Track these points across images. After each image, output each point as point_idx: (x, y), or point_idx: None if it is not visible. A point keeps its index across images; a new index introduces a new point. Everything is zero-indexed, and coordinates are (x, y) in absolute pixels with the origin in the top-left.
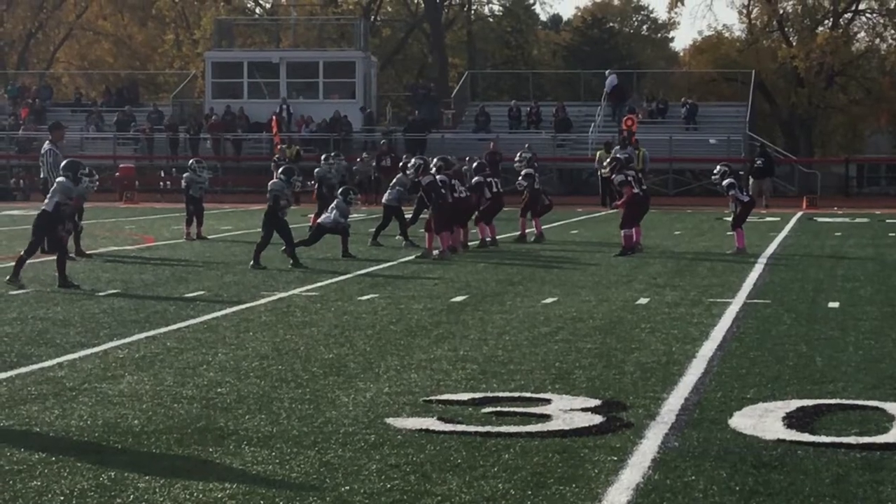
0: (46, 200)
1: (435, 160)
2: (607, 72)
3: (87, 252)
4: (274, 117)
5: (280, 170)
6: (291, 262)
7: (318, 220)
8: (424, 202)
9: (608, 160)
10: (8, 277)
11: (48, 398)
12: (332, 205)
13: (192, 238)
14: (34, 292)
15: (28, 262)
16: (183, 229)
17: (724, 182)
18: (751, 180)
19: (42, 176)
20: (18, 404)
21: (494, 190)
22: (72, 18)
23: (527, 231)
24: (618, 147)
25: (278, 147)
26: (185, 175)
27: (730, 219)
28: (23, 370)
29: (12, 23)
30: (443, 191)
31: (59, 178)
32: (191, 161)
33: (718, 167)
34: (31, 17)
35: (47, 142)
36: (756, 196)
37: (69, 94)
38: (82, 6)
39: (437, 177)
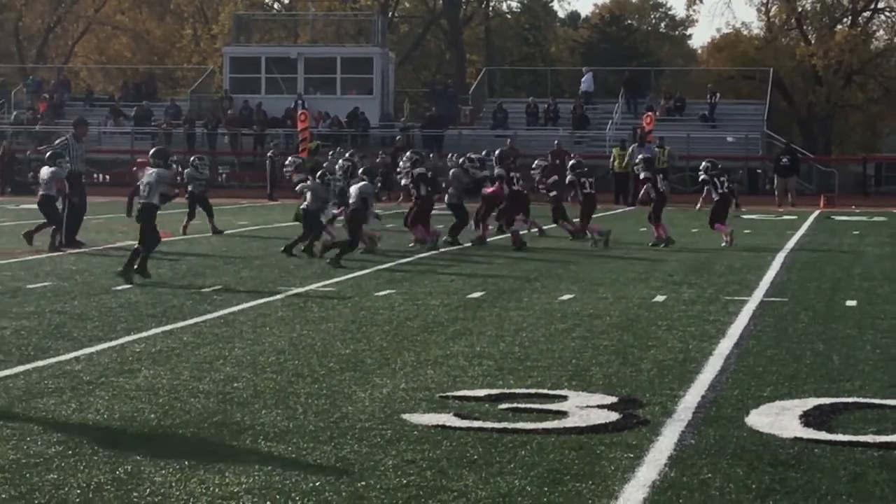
0: (146, 193)
1: (409, 154)
2: (584, 69)
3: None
4: (304, 112)
5: (361, 171)
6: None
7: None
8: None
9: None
10: (120, 269)
11: (65, 392)
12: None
13: (186, 234)
14: (52, 286)
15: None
16: (184, 223)
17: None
18: (776, 178)
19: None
20: (36, 397)
21: (515, 187)
22: (90, 13)
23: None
24: (635, 145)
25: (304, 142)
26: (185, 171)
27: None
28: (40, 363)
29: (31, 17)
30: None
31: (157, 170)
32: (192, 157)
33: (704, 163)
34: (49, 11)
35: (69, 135)
36: (781, 194)
37: (88, 88)
38: (101, 1)
39: (416, 171)
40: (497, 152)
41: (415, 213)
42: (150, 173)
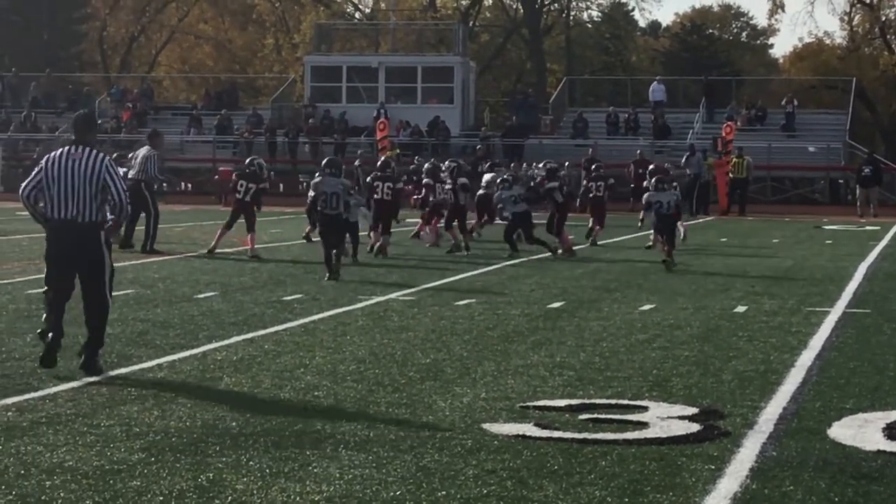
0: (334, 204)
1: (447, 163)
2: (658, 78)
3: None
4: (385, 120)
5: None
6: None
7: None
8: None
9: (539, 167)
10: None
11: (148, 399)
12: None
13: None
14: (135, 294)
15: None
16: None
17: (546, 185)
18: (857, 189)
19: (135, 178)
20: (119, 405)
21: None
22: (173, 22)
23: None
24: (687, 154)
25: (382, 150)
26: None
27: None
28: (123, 371)
29: (115, 26)
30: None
31: (338, 180)
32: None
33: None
34: (133, 21)
35: (146, 147)
36: (863, 204)
37: (170, 97)
38: (184, 10)
39: (460, 181)
40: (548, 168)
41: (449, 216)
42: (332, 184)
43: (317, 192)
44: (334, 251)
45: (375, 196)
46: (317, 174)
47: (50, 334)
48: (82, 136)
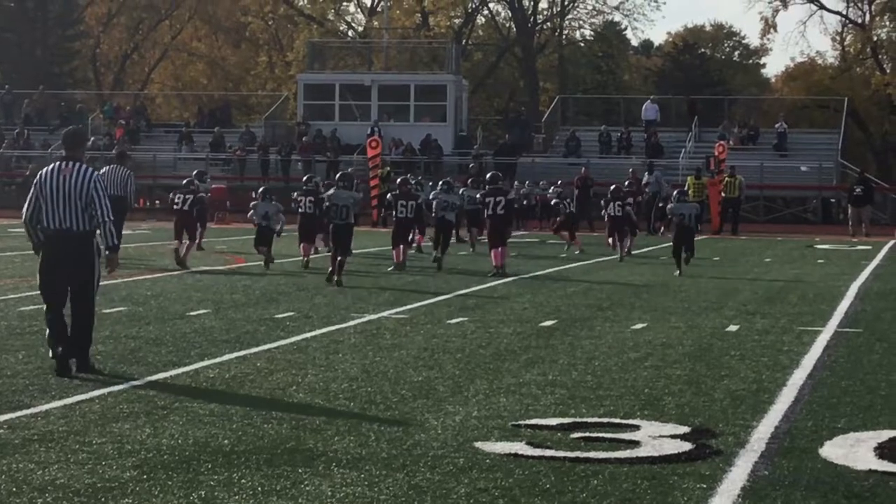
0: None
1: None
2: (651, 98)
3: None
4: (375, 139)
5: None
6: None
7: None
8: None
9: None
10: (336, 279)
11: (140, 416)
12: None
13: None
14: (127, 311)
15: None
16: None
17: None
18: (849, 208)
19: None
20: (111, 422)
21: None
22: (167, 40)
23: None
24: (646, 172)
25: (374, 169)
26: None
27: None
28: (115, 388)
29: (109, 44)
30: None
31: (351, 194)
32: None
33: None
34: (127, 38)
35: (113, 166)
36: (854, 224)
37: (164, 114)
38: (177, 28)
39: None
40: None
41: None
42: (343, 197)
43: (330, 203)
44: (339, 259)
45: (400, 214)
46: (331, 188)
47: (59, 348)
48: (72, 151)
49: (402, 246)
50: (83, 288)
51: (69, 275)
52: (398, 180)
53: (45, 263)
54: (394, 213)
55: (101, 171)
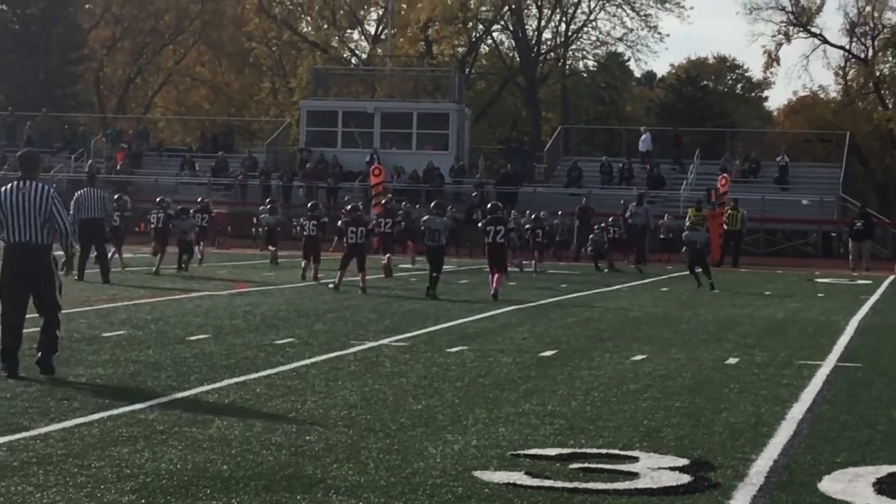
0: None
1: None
2: (642, 128)
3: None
4: (377, 166)
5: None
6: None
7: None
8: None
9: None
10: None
11: (139, 440)
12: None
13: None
14: (126, 335)
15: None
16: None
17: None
18: (850, 242)
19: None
20: (109, 446)
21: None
22: (170, 64)
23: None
24: (633, 204)
25: (376, 196)
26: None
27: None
28: (114, 412)
29: (112, 67)
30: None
31: (443, 220)
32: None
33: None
34: (130, 62)
35: (99, 189)
36: (855, 258)
37: (166, 138)
38: (181, 53)
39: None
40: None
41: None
42: (437, 222)
43: (425, 227)
44: (434, 274)
45: (350, 241)
46: (425, 214)
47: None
48: (28, 172)
49: (345, 269)
50: (44, 297)
51: (28, 284)
52: (348, 207)
53: (6, 273)
54: (345, 239)
55: (76, 196)
